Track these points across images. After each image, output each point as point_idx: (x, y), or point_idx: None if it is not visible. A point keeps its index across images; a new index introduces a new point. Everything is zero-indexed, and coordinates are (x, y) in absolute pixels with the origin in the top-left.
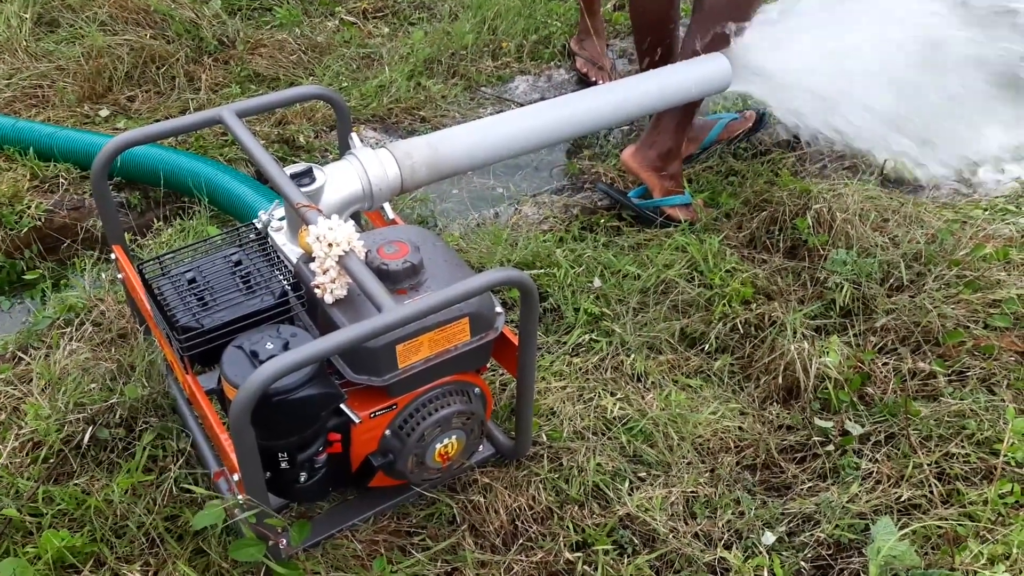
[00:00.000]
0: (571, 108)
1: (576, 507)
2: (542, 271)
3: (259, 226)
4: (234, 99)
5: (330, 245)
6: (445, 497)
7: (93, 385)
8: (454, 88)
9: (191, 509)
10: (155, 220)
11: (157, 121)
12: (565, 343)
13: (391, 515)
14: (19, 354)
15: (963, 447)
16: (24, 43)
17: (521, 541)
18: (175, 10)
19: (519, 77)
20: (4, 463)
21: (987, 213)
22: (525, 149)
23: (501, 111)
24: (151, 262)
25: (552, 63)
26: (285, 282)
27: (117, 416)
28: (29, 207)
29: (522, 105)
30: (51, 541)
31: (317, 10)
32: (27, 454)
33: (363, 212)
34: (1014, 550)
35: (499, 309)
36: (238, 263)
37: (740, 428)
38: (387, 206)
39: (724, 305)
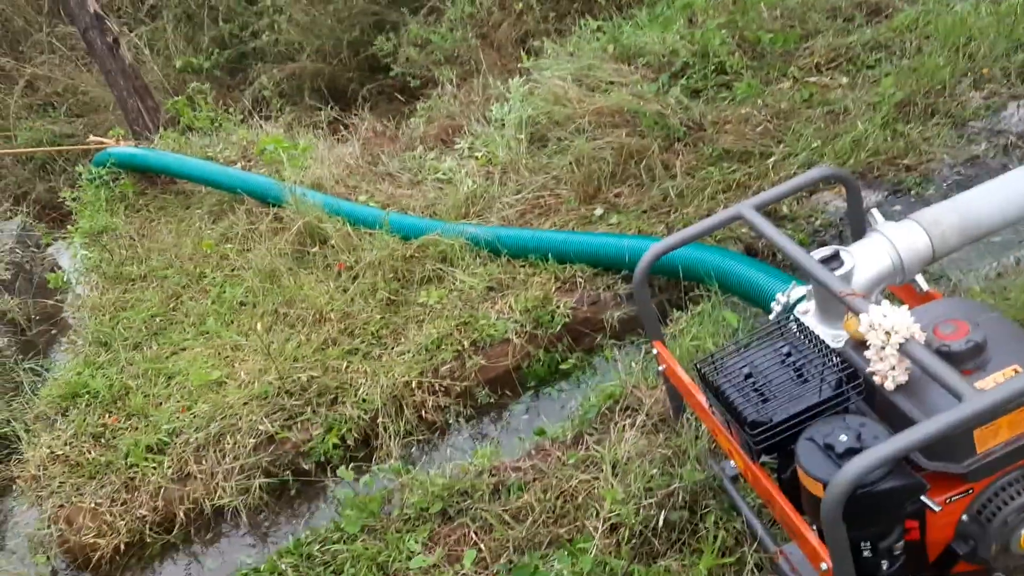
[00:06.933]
0: None
1: None
2: None
3: (777, 308)
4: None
5: (887, 333)
6: None
7: (654, 470)
8: (937, 129)
9: None
10: (667, 306)
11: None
12: None
13: None
14: (588, 440)
15: None
16: (524, 161)
17: None
18: (642, 106)
19: (1012, 104)
20: (597, 543)
21: None
22: None
23: (997, 146)
24: (707, 361)
25: None
26: (835, 371)
27: (680, 499)
28: (558, 307)
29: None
30: None
31: (773, 75)
32: (611, 534)
33: (887, 287)
34: None
35: None
36: (787, 355)
37: None
38: (920, 278)
39: None
